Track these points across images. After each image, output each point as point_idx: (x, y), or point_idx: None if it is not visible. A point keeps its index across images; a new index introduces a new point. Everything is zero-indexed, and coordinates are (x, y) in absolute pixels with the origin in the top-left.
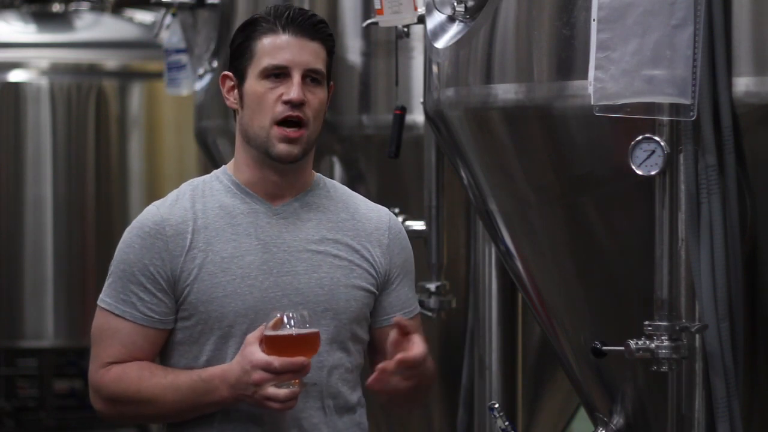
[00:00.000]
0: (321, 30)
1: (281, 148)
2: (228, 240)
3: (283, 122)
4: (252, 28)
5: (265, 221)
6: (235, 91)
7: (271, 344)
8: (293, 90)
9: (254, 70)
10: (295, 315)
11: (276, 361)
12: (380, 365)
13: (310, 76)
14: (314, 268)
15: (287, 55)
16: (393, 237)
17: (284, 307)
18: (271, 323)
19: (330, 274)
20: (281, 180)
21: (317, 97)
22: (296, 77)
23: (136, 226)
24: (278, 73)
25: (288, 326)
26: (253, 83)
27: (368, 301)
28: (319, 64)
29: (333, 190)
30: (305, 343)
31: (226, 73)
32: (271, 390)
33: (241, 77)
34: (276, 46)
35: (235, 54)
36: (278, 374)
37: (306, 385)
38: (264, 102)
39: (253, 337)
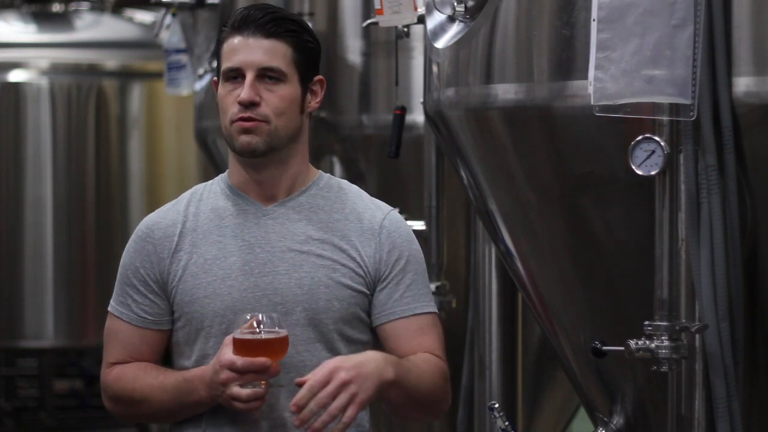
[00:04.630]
0: (279, 26)
1: (241, 139)
2: (213, 242)
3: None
4: (219, 34)
5: (253, 222)
6: None
7: (238, 346)
8: (244, 91)
9: (220, 74)
10: (264, 318)
11: (239, 360)
12: (292, 402)
13: (267, 75)
14: (295, 268)
15: (239, 56)
16: (386, 235)
17: (263, 307)
18: (245, 325)
19: (311, 273)
20: (264, 179)
21: (277, 95)
22: (248, 77)
23: (135, 231)
24: (235, 75)
25: (258, 329)
26: (220, 87)
27: (357, 301)
28: (276, 62)
29: (335, 190)
30: (271, 345)
31: (215, 78)
32: (235, 389)
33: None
34: (231, 49)
35: (215, 60)
36: (241, 374)
37: (272, 386)
38: (225, 104)
39: (229, 338)
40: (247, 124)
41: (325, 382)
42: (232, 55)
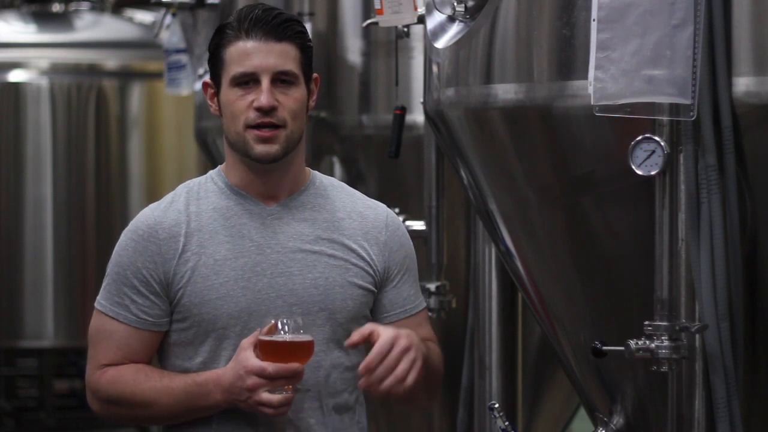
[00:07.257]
0: (288, 29)
1: (259, 149)
2: (221, 242)
3: (257, 127)
4: (220, 36)
5: (259, 222)
6: (216, 98)
7: (265, 350)
8: (262, 96)
9: (226, 78)
10: (289, 321)
11: (270, 366)
12: (362, 365)
13: (281, 79)
14: (309, 268)
15: (254, 61)
16: (390, 234)
17: (278, 308)
18: (265, 329)
19: (325, 274)
20: (269, 181)
21: (291, 97)
22: (265, 83)
23: (131, 229)
24: (247, 80)
25: (282, 332)
26: (226, 91)
27: (366, 300)
28: (289, 65)
29: (330, 189)
30: (299, 350)
31: (206, 81)
32: (265, 395)
33: (218, 85)
34: (242, 53)
35: (211, 62)
36: (272, 380)
37: (299, 390)
38: (236, 110)
39: (247, 342)
40: (266, 134)
41: (390, 347)
42: (244, 60)
